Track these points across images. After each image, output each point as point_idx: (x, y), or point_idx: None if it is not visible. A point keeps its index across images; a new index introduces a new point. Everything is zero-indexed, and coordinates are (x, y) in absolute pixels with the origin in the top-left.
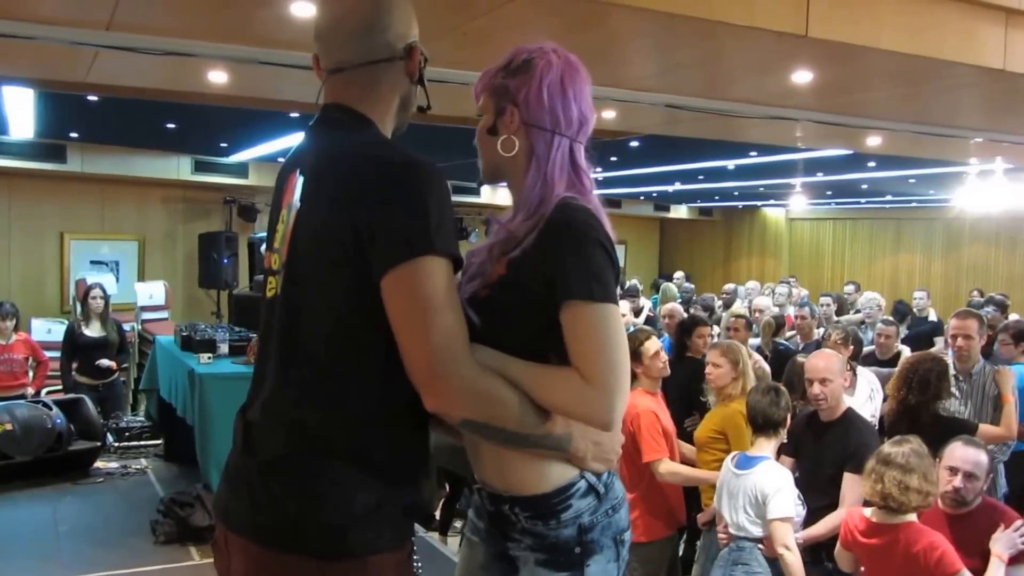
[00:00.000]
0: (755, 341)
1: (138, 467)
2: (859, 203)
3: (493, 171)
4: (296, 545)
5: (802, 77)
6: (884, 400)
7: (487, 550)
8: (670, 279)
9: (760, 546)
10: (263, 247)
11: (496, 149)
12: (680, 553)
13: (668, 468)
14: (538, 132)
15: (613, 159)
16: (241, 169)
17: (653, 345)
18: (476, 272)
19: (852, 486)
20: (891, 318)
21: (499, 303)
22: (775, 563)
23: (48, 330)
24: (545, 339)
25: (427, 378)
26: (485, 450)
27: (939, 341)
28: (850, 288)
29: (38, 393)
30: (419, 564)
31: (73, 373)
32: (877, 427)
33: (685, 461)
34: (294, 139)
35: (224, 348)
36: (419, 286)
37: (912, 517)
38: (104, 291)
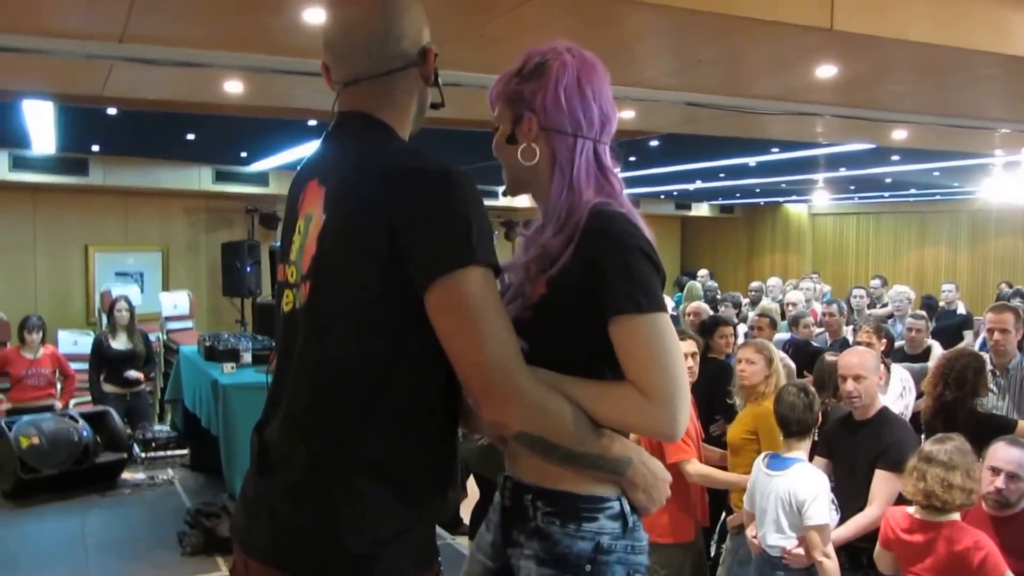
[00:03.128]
0: (779, 336)
1: (164, 478)
2: (883, 197)
3: (517, 182)
4: (322, 572)
5: (827, 71)
6: (918, 397)
7: (486, 567)
8: (694, 277)
9: (784, 557)
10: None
11: (517, 159)
12: (712, 554)
13: (697, 470)
14: (559, 137)
15: (632, 159)
16: (261, 178)
17: (684, 347)
18: (516, 293)
19: (883, 484)
20: (921, 312)
21: (544, 325)
22: (805, 572)
23: (75, 342)
24: (598, 356)
25: (484, 388)
26: None
27: (968, 335)
28: (876, 283)
29: (66, 407)
30: None
31: (101, 382)
32: (924, 429)
33: (708, 464)
34: (313, 147)
35: (247, 357)
36: (467, 296)
37: (956, 516)
38: (130, 303)
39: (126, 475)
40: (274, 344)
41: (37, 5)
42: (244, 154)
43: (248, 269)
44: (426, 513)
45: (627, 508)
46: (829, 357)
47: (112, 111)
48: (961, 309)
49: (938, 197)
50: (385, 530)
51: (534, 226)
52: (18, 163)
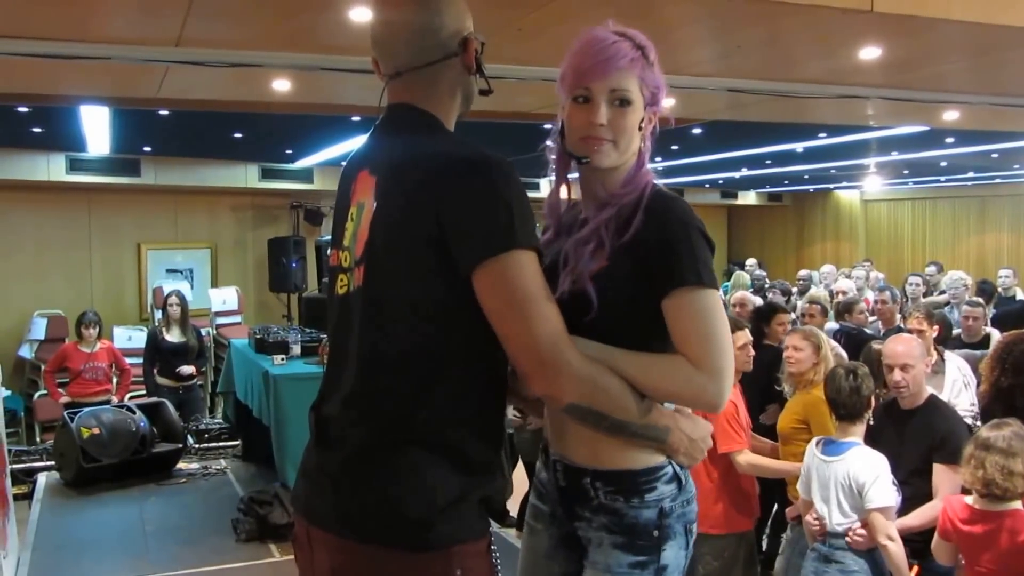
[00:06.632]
0: (831, 326)
1: (218, 467)
2: (939, 181)
3: (612, 157)
4: (382, 537)
5: (870, 53)
6: (978, 385)
7: (551, 535)
8: (742, 267)
9: (848, 538)
10: (329, 248)
11: (635, 138)
12: (765, 547)
13: (748, 459)
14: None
15: (675, 147)
16: (306, 174)
17: (742, 336)
18: (590, 256)
19: (945, 477)
20: (978, 299)
21: (604, 296)
22: (868, 555)
23: (129, 337)
24: (649, 329)
25: (536, 364)
26: (573, 423)
27: None
28: (931, 269)
29: (122, 401)
30: (498, 557)
31: (155, 375)
32: (980, 416)
33: (759, 453)
34: (356, 142)
35: (296, 349)
36: (515, 278)
37: (1017, 504)
38: (182, 298)
39: (181, 465)
40: (327, 327)
41: (100, 14)
42: (289, 151)
43: (294, 264)
44: (478, 485)
45: (677, 468)
46: (876, 345)
47: (164, 112)
48: (1020, 295)
49: (998, 180)
50: (440, 498)
51: (604, 189)
52: (74, 165)
